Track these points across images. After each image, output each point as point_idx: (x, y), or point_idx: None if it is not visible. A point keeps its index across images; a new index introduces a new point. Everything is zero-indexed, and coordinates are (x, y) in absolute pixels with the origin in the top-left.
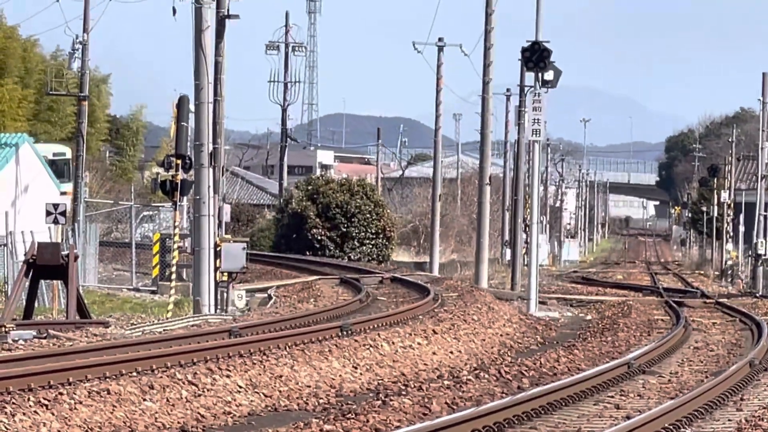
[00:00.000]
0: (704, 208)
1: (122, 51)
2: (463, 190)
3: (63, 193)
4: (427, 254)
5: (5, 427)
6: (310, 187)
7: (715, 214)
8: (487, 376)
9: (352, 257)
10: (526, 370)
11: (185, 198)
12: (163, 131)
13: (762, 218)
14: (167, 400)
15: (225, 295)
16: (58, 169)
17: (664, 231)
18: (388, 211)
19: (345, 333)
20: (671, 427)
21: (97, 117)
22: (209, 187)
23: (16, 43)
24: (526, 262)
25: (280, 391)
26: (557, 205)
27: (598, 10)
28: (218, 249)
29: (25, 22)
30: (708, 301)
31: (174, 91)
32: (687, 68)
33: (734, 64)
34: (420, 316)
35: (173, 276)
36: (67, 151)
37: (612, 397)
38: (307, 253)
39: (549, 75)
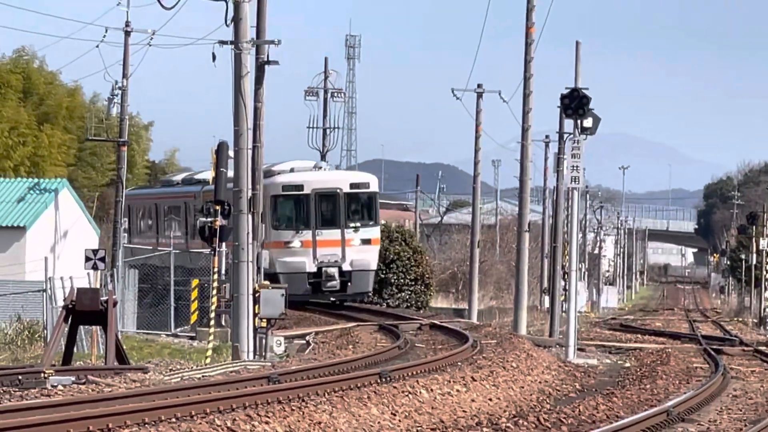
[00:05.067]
0: (743, 256)
1: (162, 97)
2: (501, 237)
3: (366, 241)
4: (466, 300)
5: None
6: None
7: (754, 262)
8: (526, 423)
9: (390, 303)
10: (564, 418)
11: (224, 244)
12: None
13: None
14: None
15: (264, 341)
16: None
17: (703, 278)
18: (427, 257)
19: (384, 380)
20: None
21: (136, 162)
22: (248, 233)
23: (58, 88)
24: (564, 309)
25: None
26: (596, 252)
27: (637, 58)
28: (257, 295)
29: (65, 67)
30: (746, 348)
31: (213, 137)
32: (726, 115)
33: None
34: (459, 363)
35: (212, 322)
36: (372, 182)
37: None
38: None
39: (588, 122)
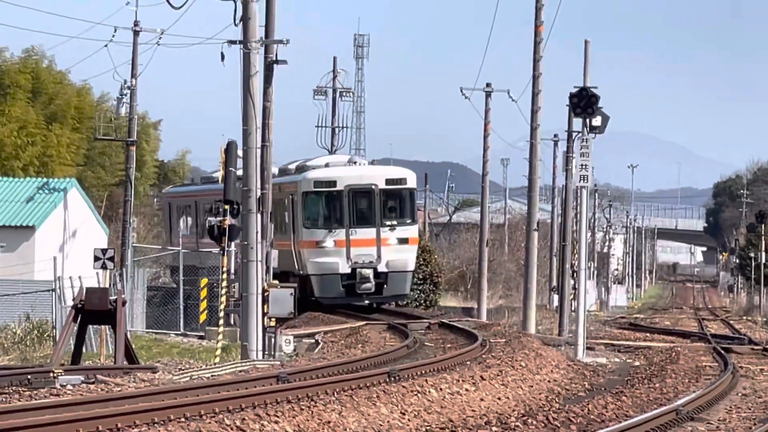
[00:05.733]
0: (752, 254)
1: (170, 95)
2: (510, 236)
3: (403, 241)
4: (475, 300)
5: None
6: None
7: (763, 260)
8: (534, 422)
9: (399, 302)
10: (573, 417)
11: (233, 243)
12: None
13: None
14: None
15: (273, 340)
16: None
17: (712, 277)
18: (436, 256)
19: (393, 379)
20: None
21: (146, 161)
22: (257, 232)
23: (67, 88)
24: (573, 308)
25: None
26: (605, 251)
27: (645, 57)
28: (266, 294)
29: (74, 67)
30: (756, 347)
31: (222, 136)
32: (735, 114)
33: None
34: (468, 362)
35: (221, 321)
36: (409, 177)
37: None
38: None
39: (597, 121)
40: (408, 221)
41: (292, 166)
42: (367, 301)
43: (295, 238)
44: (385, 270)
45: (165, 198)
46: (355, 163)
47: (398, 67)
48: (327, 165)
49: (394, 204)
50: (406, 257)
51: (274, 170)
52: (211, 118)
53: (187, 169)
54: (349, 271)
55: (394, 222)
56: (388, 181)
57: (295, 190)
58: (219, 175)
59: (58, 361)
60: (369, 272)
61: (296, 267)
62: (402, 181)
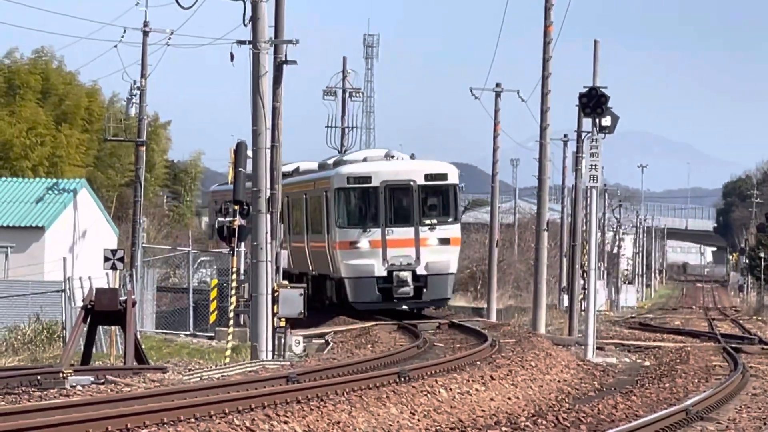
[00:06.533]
0: (762, 254)
1: (180, 96)
2: (520, 236)
3: (444, 241)
4: (485, 300)
5: None
6: None
7: None
8: (544, 422)
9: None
10: (583, 417)
11: (243, 244)
12: (221, 176)
13: None
14: None
15: (282, 340)
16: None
17: (722, 277)
18: None
19: (402, 379)
20: None
21: (156, 162)
22: (267, 233)
23: (77, 89)
24: (583, 308)
25: None
26: (614, 251)
27: (654, 56)
28: (276, 295)
29: (84, 67)
30: (766, 347)
31: (231, 136)
32: (745, 114)
33: None
34: (478, 362)
35: (231, 321)
36: (450, 173)
37: None
38: None
39: (606, 121)
40: (449, 220)
41: (331, 161)
42: (404, 307)
43: (329, 239)
44: (425, 273)
45: (210, 196)
46: (393, 157)
47: (408, 68)
48: (365, 159)
49: (435, 201)
50: (448, 259)
51: (314, 165)
52: (222, 119)
53: (198, 170)
54: (385, 273)
55: (434, 221)
56: (428, 177)
57: (328, 186)
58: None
59: (67, 361)
60: (407, 275)
61: (331, 269)
62: (442, 176)
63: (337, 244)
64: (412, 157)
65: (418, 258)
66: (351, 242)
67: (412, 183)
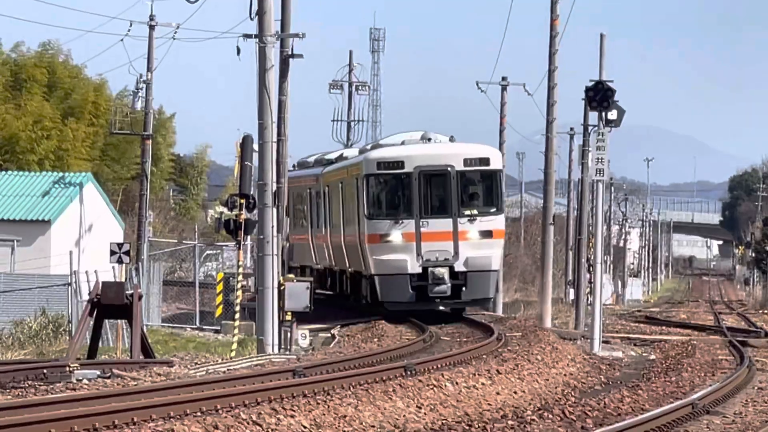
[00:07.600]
0: None
1: (188, 91)
2: (526, 230)
3: (486, 234)
4: None
5: None
6: None
7: None
8: (551, 416)
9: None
10: (590, 411)
11: (249, 237)
12: (227, 170)
13: None
14: None
15: (289, 334)
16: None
17: (728, 270)
18: None
19: (409, 373)
20: None
21: (162, 156)
22: (273, 226)
23: (83, 82)
24: (589, 302)
25: (344, 431)
26: (621, 244)
27: (661, 50)
28: (282, 288)
29: (90, 61)
30: None
31: (238, 130)
32: (752, 108)
33: None
34: (484, 356)
35: (237, 315)
36: (493, 157)
37: None
38: None
39: (613, 114)
40: (492, 210)
41: (369, 146)
42: (441, 307)
43: (359, 231)
44: (464, 269)
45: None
46: (429, 139)
47: (415, 61)
48: (403, 143)
49: (475, 189)
50: (490, 254)
51: (354, 152)
52: (229, 112)
53: (205, 164)
54: (419, 270)
55: (475, 211)
56: (467, 162)
57: (358, 173)
58: (313, 159)
59: (74, 355)
60: (444, 272)
61: (362, 265)
62: (485, 161)
63: (366, 237)
64: (451, 139)
65: (456, 253)
66: (381, 235)
67: (449, 169)
